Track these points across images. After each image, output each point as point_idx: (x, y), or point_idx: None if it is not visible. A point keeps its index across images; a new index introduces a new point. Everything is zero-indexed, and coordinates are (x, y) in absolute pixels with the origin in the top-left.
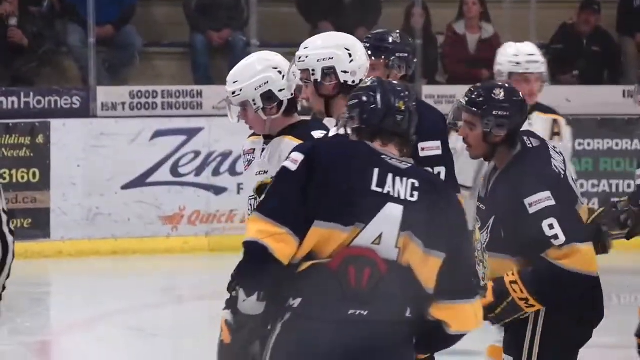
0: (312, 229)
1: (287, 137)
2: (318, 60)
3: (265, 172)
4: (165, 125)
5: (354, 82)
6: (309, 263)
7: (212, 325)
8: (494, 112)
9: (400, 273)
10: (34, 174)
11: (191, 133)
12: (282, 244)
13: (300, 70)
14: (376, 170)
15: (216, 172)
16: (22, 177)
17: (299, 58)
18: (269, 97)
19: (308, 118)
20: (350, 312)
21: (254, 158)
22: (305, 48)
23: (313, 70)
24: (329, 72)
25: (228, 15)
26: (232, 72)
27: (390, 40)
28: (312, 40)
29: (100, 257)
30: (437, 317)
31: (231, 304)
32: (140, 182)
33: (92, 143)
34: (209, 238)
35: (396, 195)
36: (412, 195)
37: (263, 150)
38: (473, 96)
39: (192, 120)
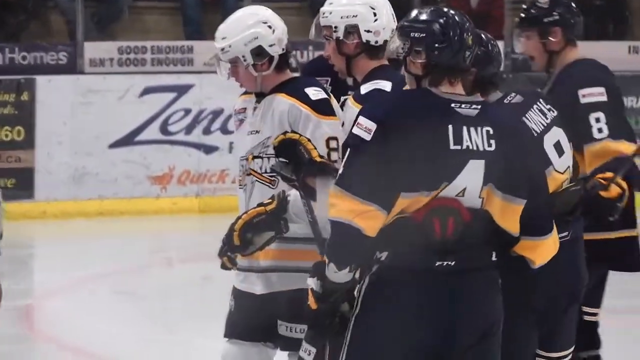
0: (399, 200)
1: (279, 95)
2: (341, 17)
3: (258, 132)
4: (154, 81)
5: (376, 42)
6: (395, 217)
7: (202, 288)
8: None
9: (484, 220)
10: (19, 132)
11: (181, 90)
12: (371, 221)
13: (323, 26)
14: (450, 127)
15: (207, 131)
16: (6, 136)
17: (323, 14)
18: (259, 52)
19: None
20: (438, 263)
21: (246, 117)
22: (330, 4)
23: (336, 27)
24: (352, 30)
25: None
26: (220, 27)
27: None
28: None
29: (87, 219)
30: (521, 254)
31: (318, 271)
32: (128, 140)
33: (79, 100)
34: (199, 199)
35: (475, 148)
36: (489, 145)
37: (255, 108)
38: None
39: (183, 76)
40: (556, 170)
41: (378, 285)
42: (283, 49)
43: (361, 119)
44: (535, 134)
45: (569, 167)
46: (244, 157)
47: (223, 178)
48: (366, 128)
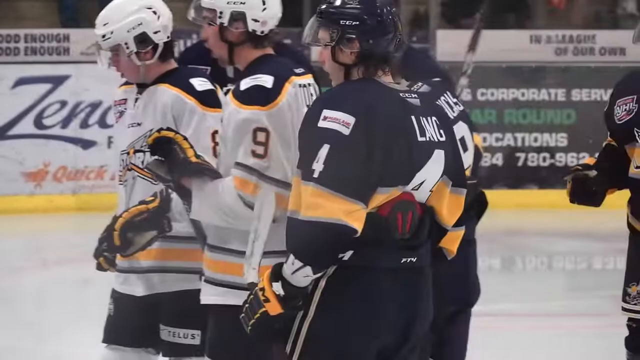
0: (376, 196)
1: (162, 85)
2: (228, 3)
3: (139, 124)
4: (28, 72)
5: (262, 32)
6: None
7: (80, 291)
8: None
9: (429, 214)
10: None
11: (57, 81)
12: (359, 221)
13: (205, 8)
14: (413, 118)
15: (84, 124)
16: None
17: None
18: (142, 40)
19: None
20: (403, 260)
21: (126, 109)
22: (104, 24)
23: (221, 12)
24: (239, 17)
25: None
26: (101, 13)
27: None
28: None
29: None
30: (442, 246)
31: (278, 276)
32: (0, 134)
33: None
34: (77, 196)
35: (435, 140)
36: (440, 135)
37: (136, 100)
38: None
39: (59, 67)
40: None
41: (337, 287)
42: (168, 37)
43: (334, 113)
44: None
45: (470, 165)
46: (125, 151)
47: (101, 174)
48: (344, 122)
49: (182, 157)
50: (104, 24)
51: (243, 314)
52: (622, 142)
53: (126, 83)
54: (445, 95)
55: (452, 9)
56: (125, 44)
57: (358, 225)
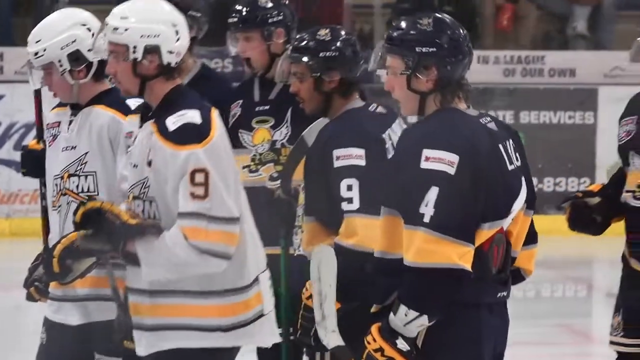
0: (481, 232)
1: (97, 107)
2: (142, 36)
3: (74, 148)
4: None
5: (176, 63)
6: None
7: (12, 318)
8: None
9: (508, 244)
10: None
11: None
12: (470, 262)
13: (114, 42)
14: (500, 147)
15: (18, 146)
16: None
17: (115, 29)
18: (76, 57)
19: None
20: (499, 295)
21: (60, 132)
22: (122, 18)
23: (134, 47)
24: (153, 50)
25: None
26: (34, 30)
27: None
28: (133, 9)
29: None
30: (519, 266)
31: (393, 332)
32: None
33: None
34: (10, 221)
35: (518, 165)
36: (517, 159)
37: (70, 122)
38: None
39: None
40: None
41: (444, 325)
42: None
43: (437, 152)
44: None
45: None
46: (59, 175)
47: (36, 198)
48: (449, 161)
49: (118, 222)
50: (37, 41)
51: None
52: (623, 164)
53: (59, 105)
54: (399, 118)
55: None
56: (59, 61)
57: (469, 266)
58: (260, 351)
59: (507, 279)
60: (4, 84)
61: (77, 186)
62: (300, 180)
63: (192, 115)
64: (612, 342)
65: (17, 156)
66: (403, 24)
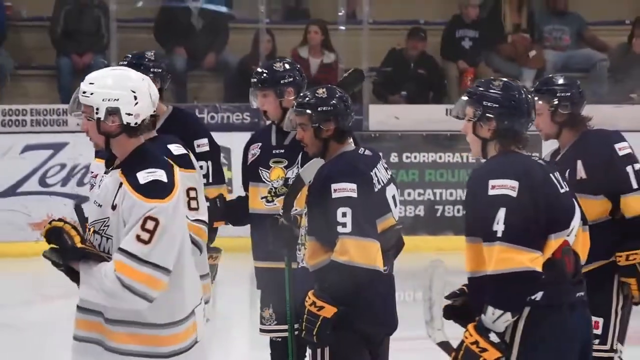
0: (549, 242)
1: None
2: (103, 100)
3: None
4: (34, 140)
5: (136, 123)
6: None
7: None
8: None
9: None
10: None
11: (57, 147)
12: (540, 266)
13: (83, 104)
14: (552, 176)
15: (80, 183)
16: None
17: (84, 92)
18: (112, 113)
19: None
20: (578, 294)
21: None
22: (90, 83)
23: (97, 108)
24: (113, 112)
25: (90, 40)
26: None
27: None
28: (100, 76)
29: None
30: None
31: (485, 328)
32: (11, 192)
33: None
34: None
35: (567, 189)
36: (564, 186)
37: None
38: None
39: (58, 135)
40: (393, 217)
41: (534, 326)
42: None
43: (500, 181)
44: (381, 185)
45: (398, 217)
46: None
47: None
48: (511, 187)
49: (69, 244)
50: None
51: None
52: None
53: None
54: (382, 160)
55: (380, 87)
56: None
57: (540, 269)
58: (273, 345)
59: (581, 280)
60: (68, 133)
61: (99, 245)
62: (300, 209)
63: (160, 175)
64: None
65: (79, 191)
66: (482, 83)
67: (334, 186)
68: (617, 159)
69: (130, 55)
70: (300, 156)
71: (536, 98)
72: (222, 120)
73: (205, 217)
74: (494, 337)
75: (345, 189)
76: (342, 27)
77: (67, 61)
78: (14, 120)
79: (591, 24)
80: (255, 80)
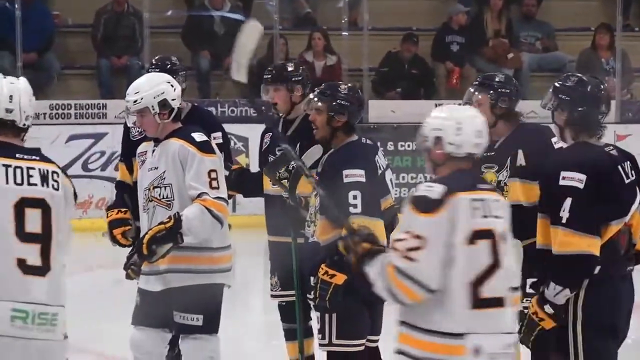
0: (610, 227)
1: (172, 139)
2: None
3: (156, 168)
4: (77, 130)
5: (178, 107)
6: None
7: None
8: None
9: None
10: None
11: (98, 137)
12: (597, 250)
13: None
14: (619, 167)
15: (117, 167)
16: None
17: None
18: (163, 104)
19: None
20: (628, 268)
21: (147, 158)
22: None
23: (152, 106)
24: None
25: (126, 44)
26: (133, 85)
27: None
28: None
29: None
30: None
31: (545, 300)
32: None
33: None
34: None
35: (633, 178)
36: (632, 175)
37: (154, 151)
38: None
39: (98, 126)
40: (391, 198)
41: (593, 295)
42: (178, 105)
43: (571, 174)
44: (381, 170)
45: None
46: (147, 187)
47: None
48: (578, 179)
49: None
50: (136, 92)
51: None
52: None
53: (145, 139)
54: (379, 149)
55: (378, 85)
56: (152, 106)
57: (598, 252)
58: (280, 308)
59: (632, 257)
60: (107, 125)
61: (160, 194)
62: (304, 193)
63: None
64: None
65: (116, 175)
66: (563, 77)
67: (345, 172)
68: (552, 151)
69: (155, 62)
70: (298, 146)
71: (476, 92)
72: (241, 114)
73: (225, 195)
74: (548, 309)
75: (355, 175)
76: (345, 33)
77: (106, 62)
78: (60, 113)
79: (560, 30)
80: (269, 76)
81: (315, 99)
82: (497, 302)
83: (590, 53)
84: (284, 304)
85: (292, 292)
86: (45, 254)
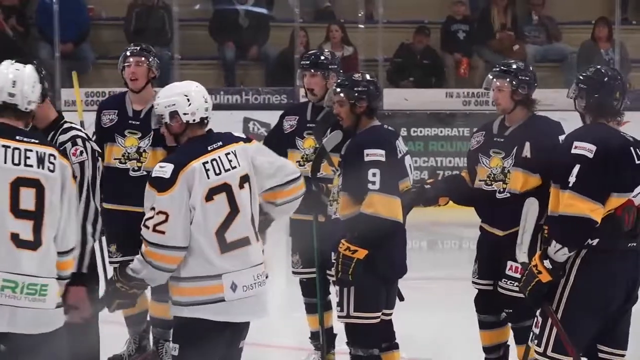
0: (611, 199)
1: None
2: (165, 107)
3: None
4: None
5: (194, 120)
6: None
7: None
8: None
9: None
10: None
11: None
12: (598, 216)
13: (157, 115)
14: (631, 148)
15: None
16: None
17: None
18: (173, 115)
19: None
20: (629, 245)
21: None
22: (157, 97)
23: (162, 115)
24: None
25: (156, 35)
26: (160, 91)
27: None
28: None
29: None
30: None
31: (545, 256)
32: None
33: None
34: None
35: None
36: None
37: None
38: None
39: None
40: (409, 181)
41: (588, 264)
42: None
43: (582, 144)
44: (401, 154)
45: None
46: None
47: None
48: (588, 149)
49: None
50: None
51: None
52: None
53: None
54: (400, 136)
55: (393, 75)
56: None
57: (598, 218)
58: (302, 284)
59: (636, 234)
60: None
61: None
62: (326, 173)
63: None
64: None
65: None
66: (585, 70)
67: (366, 151)
68: (558, 147)
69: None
70: (328, 131)
71: (496, 78)
72: (264, 101)
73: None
74: (547, 264)
75: (375, 154)
76: (362, 26)
77: None
78: (95, 100)
79: (562, 24)
80: (308, 62)
81: (337, 89)
82: (242, 242)
83: (591, 45)
84: (305, 280)
85: (313, 270)
86: (38, 230)
